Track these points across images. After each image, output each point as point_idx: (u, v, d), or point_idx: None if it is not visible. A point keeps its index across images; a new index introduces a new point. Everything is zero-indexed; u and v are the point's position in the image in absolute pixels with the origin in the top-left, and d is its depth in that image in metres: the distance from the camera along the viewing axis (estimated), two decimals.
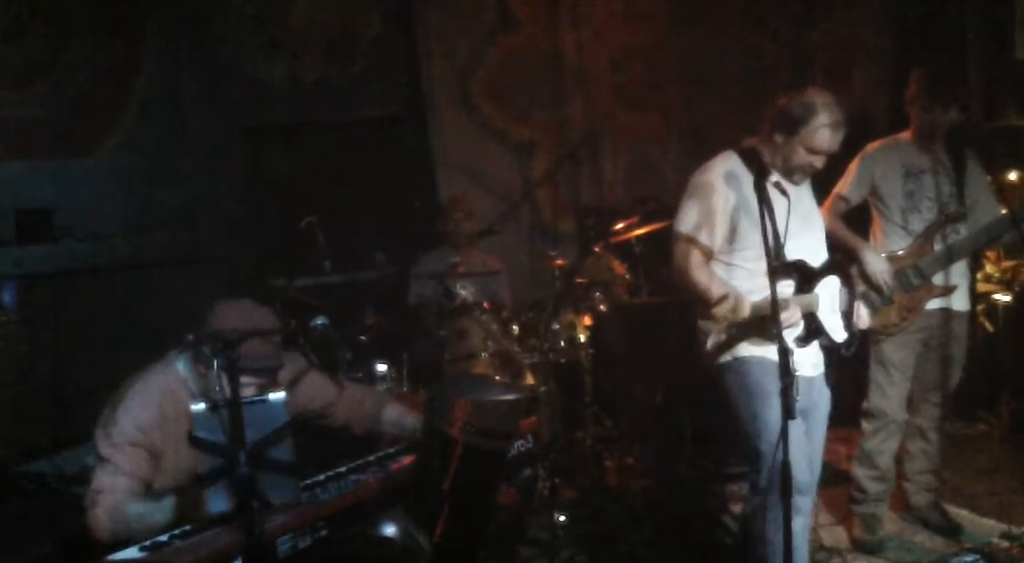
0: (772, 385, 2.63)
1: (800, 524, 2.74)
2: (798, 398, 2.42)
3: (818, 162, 2.81)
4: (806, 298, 2.77)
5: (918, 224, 3.47)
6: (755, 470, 2.78)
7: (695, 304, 2.95)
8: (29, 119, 4.60)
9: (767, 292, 2.51)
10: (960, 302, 3.53)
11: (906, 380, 3.54)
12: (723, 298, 2.54)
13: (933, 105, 3.43)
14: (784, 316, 2.62)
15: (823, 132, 2.73)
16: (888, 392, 3.53)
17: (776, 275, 2.61)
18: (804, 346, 2.81)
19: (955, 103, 3.44)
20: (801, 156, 2.79)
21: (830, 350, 2.93)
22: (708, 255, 2.85)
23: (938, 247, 3.43)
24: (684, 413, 4.54)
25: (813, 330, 2.80)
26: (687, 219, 2.86)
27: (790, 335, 2.76)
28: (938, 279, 3.46)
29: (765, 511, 2.72)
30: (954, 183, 3.47)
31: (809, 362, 2.89)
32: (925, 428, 3.65)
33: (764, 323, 2.63)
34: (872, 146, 3.60)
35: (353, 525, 2.32)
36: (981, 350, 4.56)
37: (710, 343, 2.88)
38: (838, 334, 2.88)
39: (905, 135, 3.58)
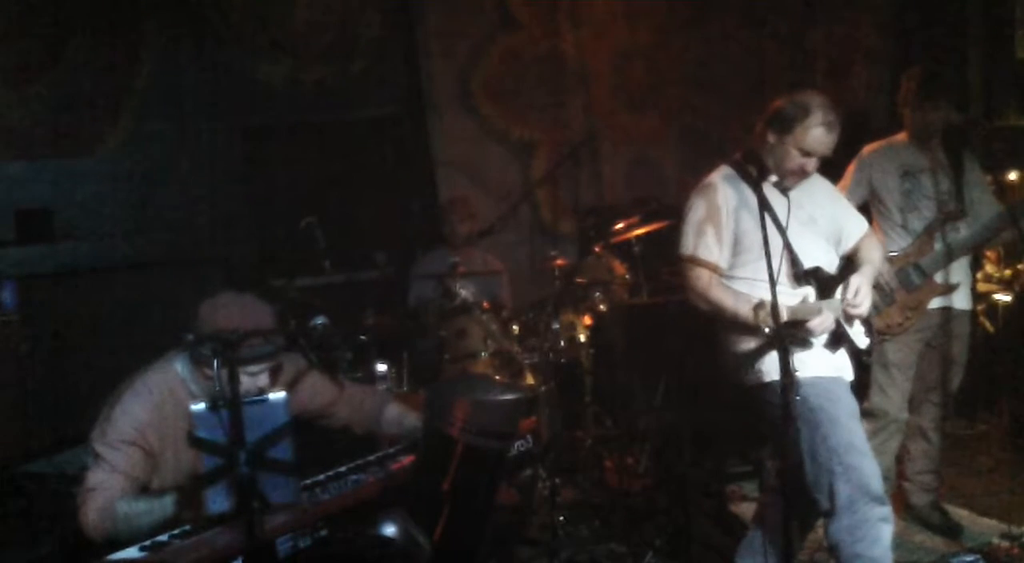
0: (834, 407, 2.63)
1: (889, 532, 2.68)
2: (796, 399, 2.42)
3: (810, 166, 2.76)
4: (833, 303, 2.74)
5: (918, 223, 3.47)
6: (828, 492, 2.63)
7: (718, 328, 2.89)
8: (29, 119, 4.61)
9: (785, 298, 2.50)
10: (961, 301, 3.53)
11: (907, 380, 3.54)
12: (760, 306, 2.49)
13: (923, 102, 3.42)
14: (817, 321, 2.63)
15: (817, 131, 2.69)
16: (889, 392, 3.53)
17: (797, 282, 2.64)
18: (834, 351, 2.79)
19: (945, 100, 3.43)
20: (794, 158, 2.74)
21: (856, 355, 2.89)
22: (718, 272, 2.80)
23: (938, 246, 3.43)
24: (684, 413, 4.54)
25: (839, 336, 2.78)
26: (689, 238, 2.82)
27: (819, 341, 2.75)
28: (939, 278, 3.46)
29: (855, 529, 2.62)
30: (952, 182, 3.47)
31: (847, 366, 2.86)
32: (926, 428, 3.65)
33: (799, 327, 2.62)
34: (868, 149, 3.61)
35: (353, 525, 2.32)
36: (981, 350, 4.56)
37: (754, 364, 2.79)
38: (861, 340, 2.86)
39: (900, 136, 3.59)
